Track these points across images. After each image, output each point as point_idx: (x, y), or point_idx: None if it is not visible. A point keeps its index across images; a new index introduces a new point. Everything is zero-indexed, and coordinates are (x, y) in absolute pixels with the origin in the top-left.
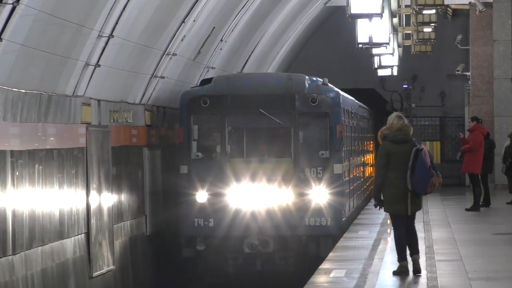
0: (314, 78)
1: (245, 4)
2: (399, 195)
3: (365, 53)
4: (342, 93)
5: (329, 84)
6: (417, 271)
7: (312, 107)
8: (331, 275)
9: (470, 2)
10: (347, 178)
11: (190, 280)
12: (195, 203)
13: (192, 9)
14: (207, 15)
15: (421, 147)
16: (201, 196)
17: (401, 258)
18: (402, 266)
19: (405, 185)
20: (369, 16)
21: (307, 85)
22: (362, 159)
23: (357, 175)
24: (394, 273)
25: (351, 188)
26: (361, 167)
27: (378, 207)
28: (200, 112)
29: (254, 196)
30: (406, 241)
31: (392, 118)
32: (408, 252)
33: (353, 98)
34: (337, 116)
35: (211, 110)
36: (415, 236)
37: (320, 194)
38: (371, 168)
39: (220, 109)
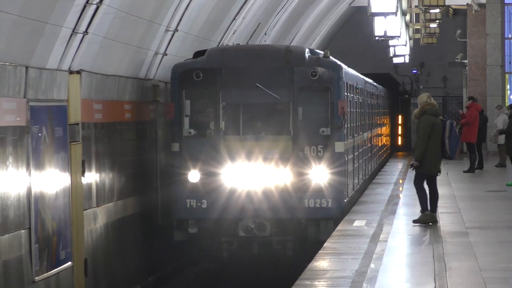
0: (315, 50)
1: (285, 4)
2: (435, 159)
3: (382, 44)
4: (345, 66)
5: (331, 57)
6: (435, 222)
7: (312, 81)
8: (354, 224)
9: (467, 3)
10: (350, 157)
11: (182, 265)
12: (187, 183)
13: (241, 8)
14: (254, 13)
15: (452, 120)
16: (193, 175)
17: (425, 208)
18: (426, 215)
19: (440, 150)
20: (386, 14)
21: (307, 57)
22: (369, 136)
23: (362, 153)
24: (416, 221)
25: (354, 167)
26: (368, 144)
27: (413, 168)
28: (193, 86)
29: (250, 176)
30: (427, 195)
31: (425, 97)
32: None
33: (359, 74)
34: (339, 91)
35: (204, 84)
36: (438, 196)
37: (320, 174)
38: (384, 140)
39: (214, 83)
